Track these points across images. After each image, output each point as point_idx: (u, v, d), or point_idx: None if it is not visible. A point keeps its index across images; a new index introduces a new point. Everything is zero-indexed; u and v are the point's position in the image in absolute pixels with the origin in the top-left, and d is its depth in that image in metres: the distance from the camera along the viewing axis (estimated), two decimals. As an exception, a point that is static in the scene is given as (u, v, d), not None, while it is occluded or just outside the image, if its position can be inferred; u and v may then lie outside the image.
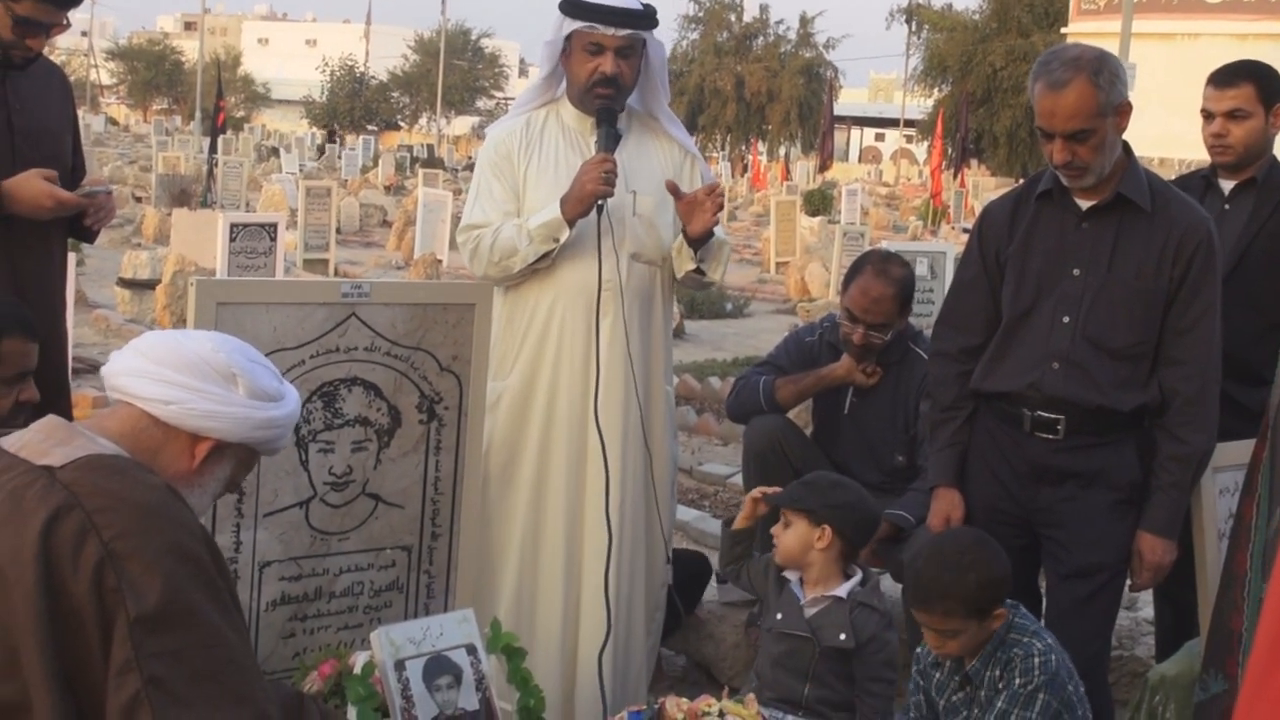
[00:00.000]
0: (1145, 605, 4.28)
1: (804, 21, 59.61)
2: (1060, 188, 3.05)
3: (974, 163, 41.25)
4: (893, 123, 63.45)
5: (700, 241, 3.41)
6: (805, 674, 3.11)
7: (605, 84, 3.35)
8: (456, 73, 63.90)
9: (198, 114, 42.03)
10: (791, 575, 3.22)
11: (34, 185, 3.15)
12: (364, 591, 3.03)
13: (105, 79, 73.39)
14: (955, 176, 29.65)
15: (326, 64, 64.45)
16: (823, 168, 33.58)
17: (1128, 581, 3.15)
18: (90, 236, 3.48)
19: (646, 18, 3.39)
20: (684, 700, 2.73)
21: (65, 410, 3.13)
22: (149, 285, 10.62)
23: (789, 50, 59.16)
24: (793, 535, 3.16)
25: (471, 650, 2.55)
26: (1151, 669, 3.18)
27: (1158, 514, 3.03)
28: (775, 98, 57.12)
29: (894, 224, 24.70)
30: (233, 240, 9.78)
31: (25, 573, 1.76)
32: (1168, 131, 33.28)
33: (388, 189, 27.33)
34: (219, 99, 24.66)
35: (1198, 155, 4.93)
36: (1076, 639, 2.95)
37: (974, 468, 3.21)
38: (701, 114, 57.30)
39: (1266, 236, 3.51)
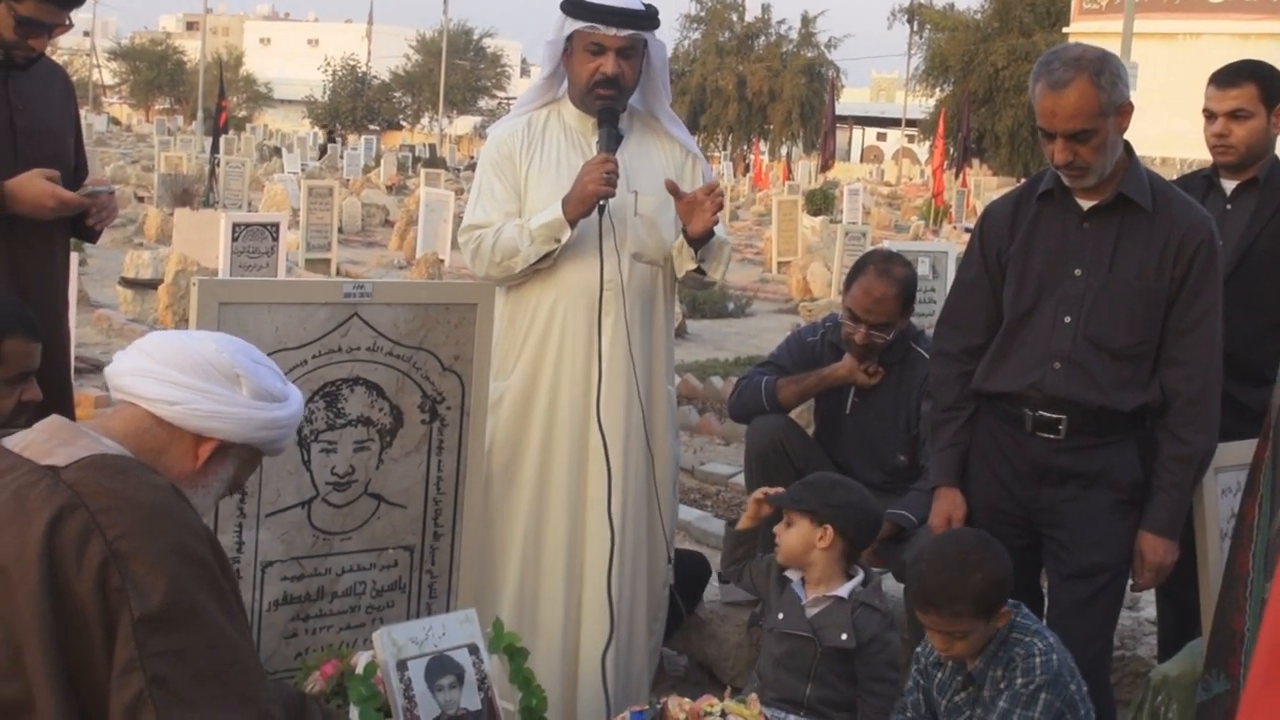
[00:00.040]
0: (1147, 605, 4.28)
1: (806, 21, 59.62)
2: (1061, 188, 3.06)
3: (976, 162, 41.23)
4: (894, 122, 63.43)
5: (700, 241, 3.41)
6: (807, 674, 3.11)
7: (606, 84, 3.35)
8: (458, 72, 63.91)
9: (200, 114, 42.07)
10: (793, 575, 3.22)
11: (36, 185, 3.15)
12: (366, 591, 3.04)
13: (107, 79, 73.40)
14: (957, 176, 29.63)
15: (328, 64, 64.44)
16: (824, 167, 33.59)
17: (1129, 581, 3.15)
18: (93, 236, 3.48)
19: (648, 18, 3.39)
20: (686, 700, 2.73)
21: (67, 410, 3.13)
22: (151, 285, 10.63)
23: (791, 50, 59.14)
24: (795, 535, 3.16)
25: (474, 650, 2.56)
26: (1154, 669, 3.18)
27: (1159, 514, 3.03)
28: (777, 97, 57.11)
29: (896, 224, 24.68)
30: (235, 240, 9.79)
31: (29, 572, 1.77)
32: (1169, 131, 33.28)
33: (390, 189, 27.33)
34: (221, 99, 24.70)
35: (1200, 155, 4.93)
36: (1078, 639, 2.95)
37: (975, 468, 3.21)
38: (703, 113, 57.30)
39: (1268, 236, 3.50)
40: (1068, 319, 3.04)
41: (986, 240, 3.18)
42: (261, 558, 2.88)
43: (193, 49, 66.61)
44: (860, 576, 3.17)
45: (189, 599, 1.82)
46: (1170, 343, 3.01)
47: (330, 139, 48.90)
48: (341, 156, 35.13)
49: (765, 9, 60.36)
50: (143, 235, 16.25)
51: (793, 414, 4.19)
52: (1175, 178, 3.70)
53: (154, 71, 70.56)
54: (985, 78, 43.52)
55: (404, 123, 67.75)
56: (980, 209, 6.83)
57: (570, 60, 3.42)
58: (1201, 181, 3.66)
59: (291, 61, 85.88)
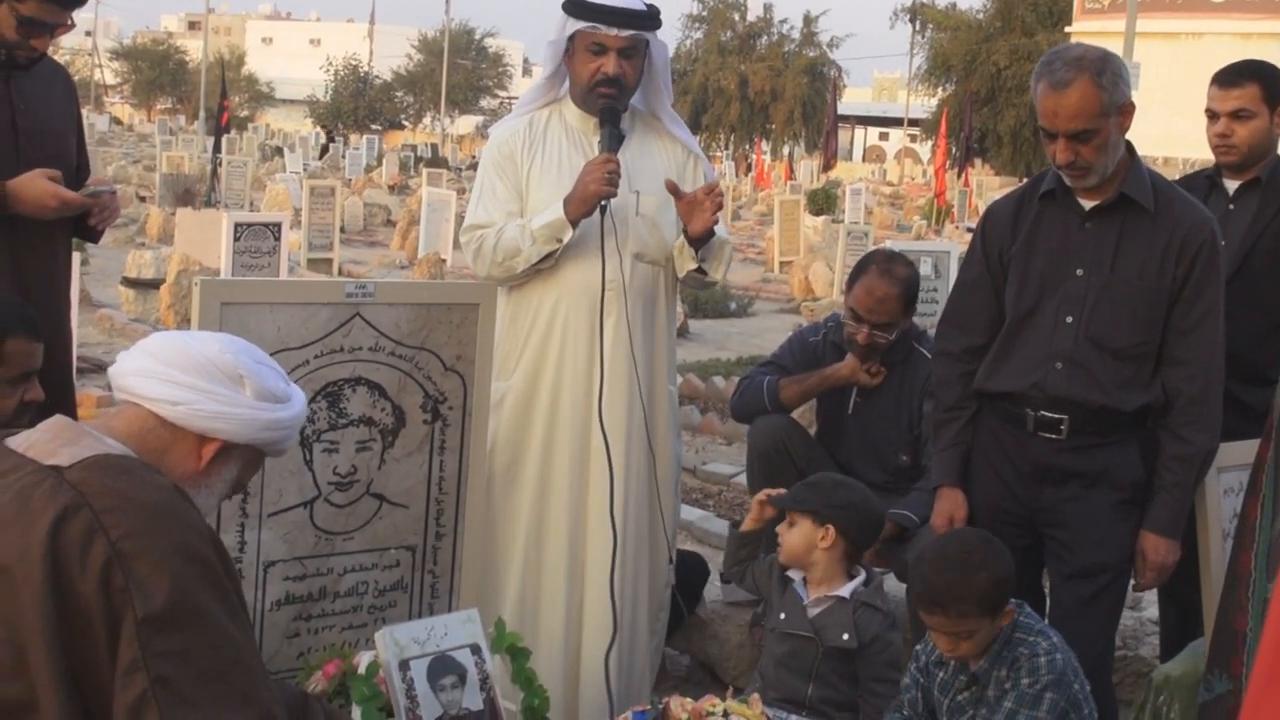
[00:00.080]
0: (1149, 605, 4.28)
1: (808, 21, 59.63)
2: (1063, 187, 3.06)
3: (978, 162, 41.22)
4: (897, 122, 63.41)
5: (701, 241, 3.41)
6: (809, 674, 3.11)
7: (608, 84, 3.36)
8: (460, 72, 63.94)
9: (202, 113, 42.06)
10: (795, 575, 3.22)
11: (38, 185, 3.15)
12: (368, 591, 3.04)
13: (109, 79, 73.41)
14: (959, 176, 29.62)
15: (330, 63, 64.47)
16: (827, 167, 33.61)
17: (1131, 581, 3.15)
18: (95, 236, 3.48)
19: (649, 18, 3.39)
20: (688, 700, 2.73)
21: (69, 410, 3.14)
22: (153, 285, 10.64)
23: (793, 49, 59.16)
24: (797, 535, 3.16)
25: (476, 650, 2.56)
26: (1156, 669, 3.18)
27: (1161, 514, 3.03)
28: (779, 97, 57.12)
29: (898, 223, 24.67)
30: (237, 240, 9.79)
31: (33, 572, 1.77)
32: (1171, 131, 33.27)
33: (392, 188, 27.33)
34: (223, 98, 24.69)
35: (1202, 155, 4.93)
36: (1080, 639, 2.95)
37: (977, 468, 3.21)
38: (705, 113, 57.31)
39: (1271, 236, 3.50)
40: (1069, 319, 3.04)
41: (988, 240, 3.18)
42: (264, 557, 2.88)
43: (195, 49, 66.57)
44: (862, 576, 3.17)
45: (192, 599, 1.82)
46: (1172, 342, 3.01)
47: (329, 139, 48.88)
48: (343, 156, 35.15)
49: (767, 9, 60.42)
50: (145, 235, 16.25)
51: (795, 414, 4.19)
52: (1177, 178, 3.70)
53: (156, 71, 70.57)
54: (987, 77, 43.52)
55: (406, 122, 67.77)
56: (982, 209, 6.83)
57: (572, 60, 3.42)
58: (1204, 182, 3.66)
59: (293, 61, 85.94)
